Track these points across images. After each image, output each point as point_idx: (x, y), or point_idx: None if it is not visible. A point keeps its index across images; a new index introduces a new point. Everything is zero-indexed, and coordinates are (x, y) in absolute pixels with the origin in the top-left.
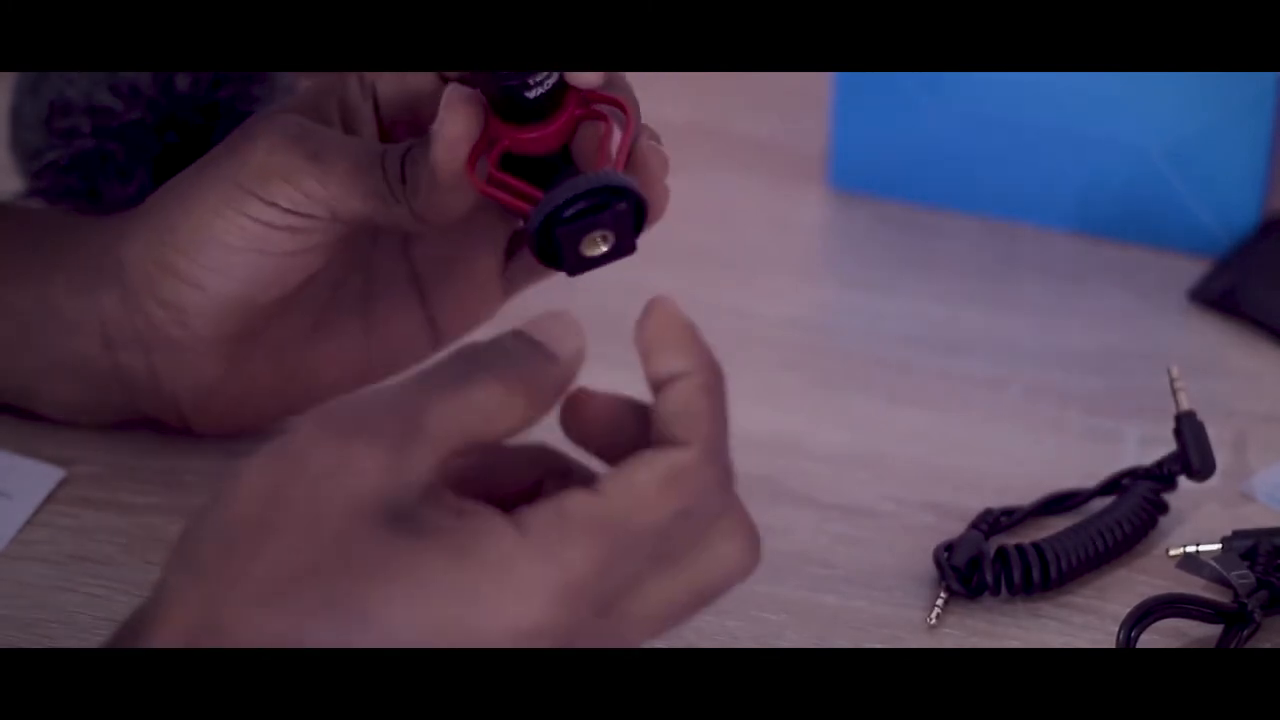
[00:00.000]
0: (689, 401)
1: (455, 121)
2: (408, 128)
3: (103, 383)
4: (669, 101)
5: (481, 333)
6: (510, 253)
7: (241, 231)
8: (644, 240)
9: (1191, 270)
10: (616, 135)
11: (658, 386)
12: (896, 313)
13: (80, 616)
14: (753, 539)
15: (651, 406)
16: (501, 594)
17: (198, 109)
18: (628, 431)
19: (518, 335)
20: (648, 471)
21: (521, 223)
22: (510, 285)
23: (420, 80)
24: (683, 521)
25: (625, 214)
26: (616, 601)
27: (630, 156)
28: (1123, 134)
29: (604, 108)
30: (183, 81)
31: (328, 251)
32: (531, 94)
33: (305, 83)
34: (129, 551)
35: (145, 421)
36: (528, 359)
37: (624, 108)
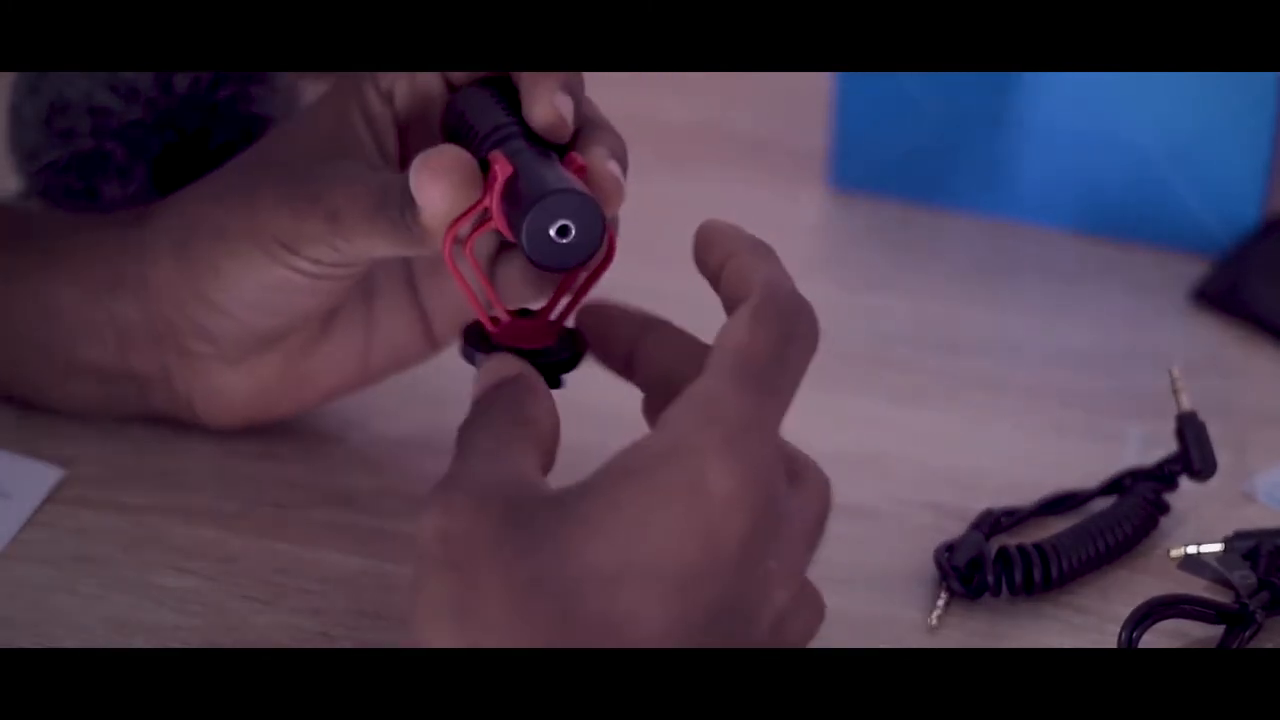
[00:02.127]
0: (740, 266)
1: (439, 197)
2: (421, 128)
3: (115, 382)
4: (669, 101)
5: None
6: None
7: (281, 281)
8: (644, 239)
9: (1192, 270)
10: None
11: (716, 274)
12: (896, 313)
13: (80, 617)
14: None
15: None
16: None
17: (197, 109)
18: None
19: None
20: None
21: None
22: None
23: (428, 82)
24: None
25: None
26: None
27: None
28: (1123, 134)
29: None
30: (182, 81)
31: (357, 280)
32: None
33: (303, 83)
34: (129, 551)
35: (146, 420)
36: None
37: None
